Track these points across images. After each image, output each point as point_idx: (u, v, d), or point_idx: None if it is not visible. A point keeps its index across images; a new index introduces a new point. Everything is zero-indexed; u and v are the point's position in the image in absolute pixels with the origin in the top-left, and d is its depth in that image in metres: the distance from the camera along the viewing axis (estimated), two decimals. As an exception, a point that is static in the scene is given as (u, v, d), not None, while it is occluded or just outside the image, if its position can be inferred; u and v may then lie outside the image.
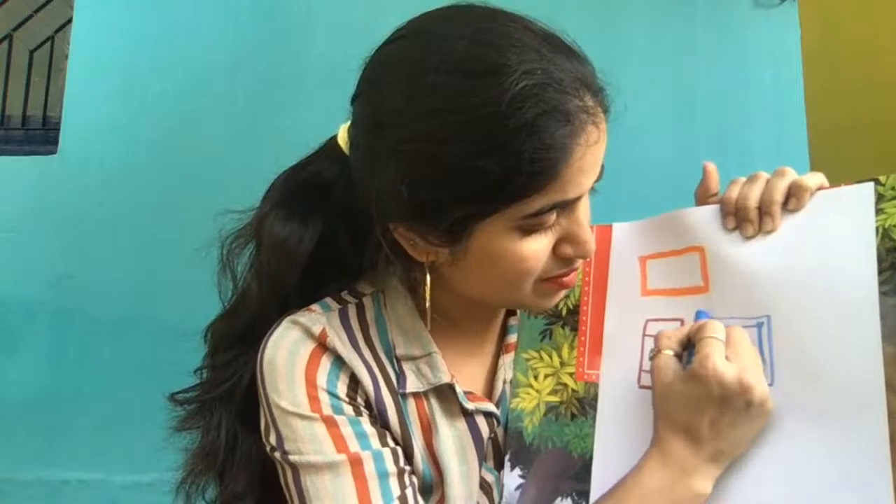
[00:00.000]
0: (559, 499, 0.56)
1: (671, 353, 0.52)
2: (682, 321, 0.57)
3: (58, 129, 2.01)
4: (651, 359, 0.53)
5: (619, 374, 0.58)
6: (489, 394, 0.62)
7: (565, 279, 0.54)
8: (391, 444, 0.55)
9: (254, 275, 0.61)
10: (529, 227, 0.49)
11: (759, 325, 0.53)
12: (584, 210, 0.52)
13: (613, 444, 0.56)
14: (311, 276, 0.60)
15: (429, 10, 0.54)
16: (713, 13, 1.84)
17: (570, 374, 0.61)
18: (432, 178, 0.48)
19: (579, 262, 0.55)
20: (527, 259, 0.50)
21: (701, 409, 0.48)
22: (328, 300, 0.60)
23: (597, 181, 0.52)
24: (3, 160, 2.06)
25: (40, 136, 2.49)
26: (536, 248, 0.50)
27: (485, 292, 0.55)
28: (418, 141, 0.47)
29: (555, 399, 0.60)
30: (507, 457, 0.59)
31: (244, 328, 0.61)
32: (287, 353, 0.55)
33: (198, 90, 1.91)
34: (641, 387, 0.57)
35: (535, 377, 0.62)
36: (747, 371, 0.48)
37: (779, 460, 0.50)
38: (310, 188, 0.60)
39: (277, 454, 0.54)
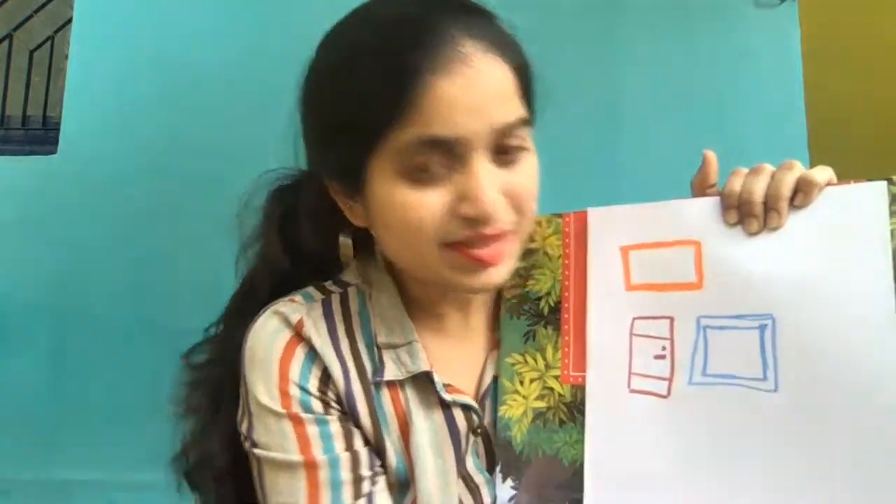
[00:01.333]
0: None
1: None
2: (671, 319, 0.55)
3: (58, 129, 2.01)
4: None
5: (606, 377, 0.56)
6: (477, 390, 0.61)
7: (477, 252, 0.52)
8: (358, 445, 0.56)
9: (257, 260, 0.65)
10: (413, 172, 0.50)
11: (762, 328, 0.51)
12: (483, 167, 0.50)
13: (605, 452, 0.55)
14: (312, 261, 0.62)
15: None
16: (713, 13, 1.84)
17: (556, 378, 0.58)
18: (324, 118, 0.54)
19: (490, 229, 0.52)
20: (413, 208, 0.50)
21: None
22: (311, 290, 0.61)
23: (508, 132, 0.51)
24: (3, 160, 2.06)
25: (40, 136, 2.49)
26: (426, 200, 0.50)
27: (400, 256, 0.56)
28: (314, 89, 0.55)
29: (542, 405, 0.58)
30: (497, 468, 0.58)
31: (250, 309, 0.62)
32: (265, 342, 0.56)
33: (198, 90, 1.91)
34: (632, 391, 0.55)
35: (521, 382, 0.59)
36: None
37: (789, 475, 0.48)
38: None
39: (247, 444, 0.56)
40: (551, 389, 0.58)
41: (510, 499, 0.57)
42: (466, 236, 0.52)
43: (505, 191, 0.52)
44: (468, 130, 0.49)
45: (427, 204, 0.50)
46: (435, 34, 0.49)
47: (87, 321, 1.92)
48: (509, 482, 0.57)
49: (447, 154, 0.50)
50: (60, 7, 2.57)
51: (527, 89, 0.54)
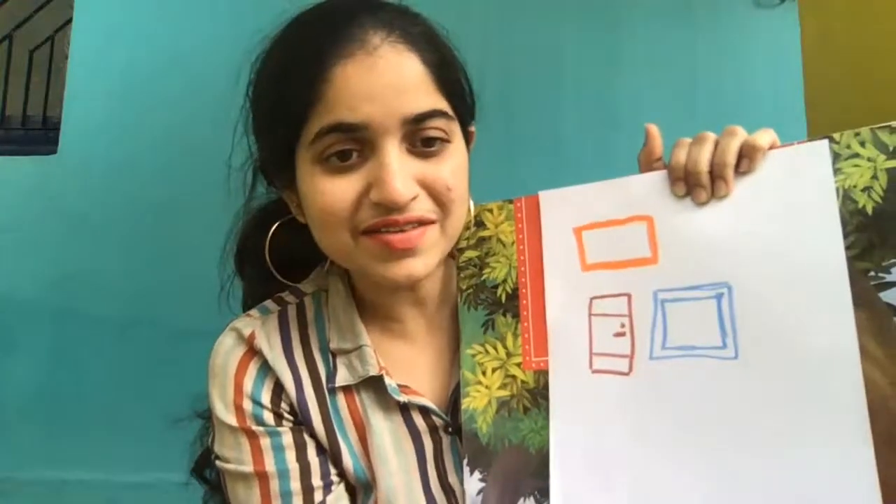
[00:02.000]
0: (521, 500, 0.54)
1: None
2: (629, 296, 0.54)
3: (58, 129, 2.02)
4: None
5: (568, 360, 0.55)
6: (446, 391, 0.60)
7: (387, 237, 0.51)
8: (310, 456, 0.56)
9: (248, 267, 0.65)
10: (326, 159, 0.51)
11: (719, 297, 0.51)
12: (394, 154, 0.50)
13: (570, 435, 0.54)
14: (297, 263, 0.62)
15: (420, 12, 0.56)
16: (713, 14, 1.84)
17: (518, 365, 0.57)
18: (258, 114, 0.56)
19: (401, 217, 0.51)
20: (325, 193, 0.51)
21: None
22: (269, 303, 0.62)
23: (419, 123, 0.51)
24: (3, 160, 2.06)
25: (40, 136, 2.49)
26: (338, 186, 0.51)
27: (324, 246, 0.56)
28: (254, 86, 0.57)
29: (505, 393, 0.57)
30: (464, 461, 0.57)
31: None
32: (222, 359, 0.58)
33: (198, 89, 1.91)
34: (594, 371, 0.54)
35: (483, 373, 0.58)
36: None
37: (755, 440, 0.48)
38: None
39: (213, 457, 0.58)
40: (514, 377, 0.57)
41: (478, 492, 0.55)
42: (377, 223, 0.51)
43: (421, 180, 0.52)
44: (374, 117, 0.49)
45: (340, 191, 0.51)
46: (345, 26, 0.51)
47: (86, 321, 1.92)
48: (477, 475, 0.56)
49: (360, 142, 0.50)
50: (60, 7, 2.57)
51: (445, 84, 0.53)
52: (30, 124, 2.68)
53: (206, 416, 0.63)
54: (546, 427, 0.55)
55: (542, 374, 0.56)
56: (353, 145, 0.50)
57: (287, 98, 0.51)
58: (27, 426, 1.90)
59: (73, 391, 1.90)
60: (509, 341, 0.58)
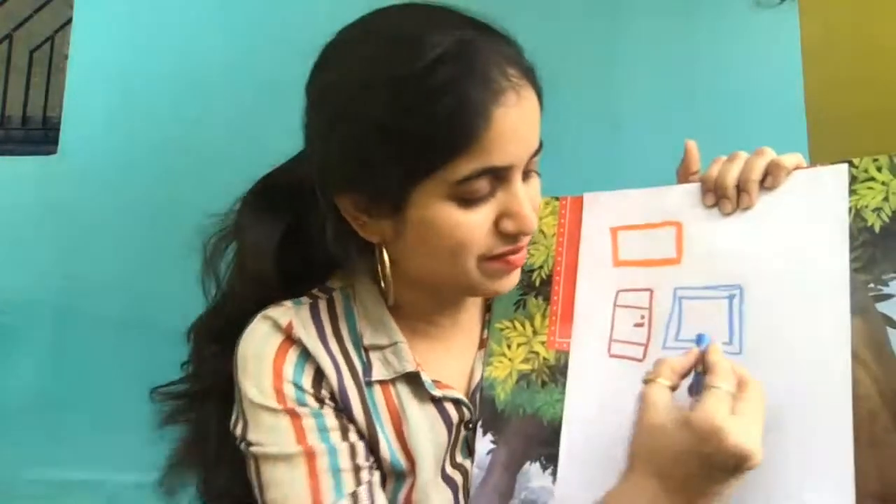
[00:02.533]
0: (528, 462, 0.59)
1: (667, 384, 0.49)
2: (651, 291, 0.59)
3: (58, 129, 2.02)
4: (644, 382, 0.50)
5: (589, 343, 0.60)
6: (468, 387, 0.63)
7: (512, 258, 0.56)
8: (353, 438, 0.57)
9: (235, 273, 0.63)
10: (464, 196, 0.52)
11: (731, 297, 0.56)
12: (523, 185, 0.54)
13: (582, 411, 0.59)
14: (292, 275, 0.62)
15: None
16: (713, 13, 1.84)
17: (542, 343, 0.62)
18: (363, 142, 0.52)
19: (525, 240, 0.56)
20: (461, 227, 0.52)
21: (686, 462, 0.46)
22: (301, 298, 0.62)
23: (534, 156, 0.54)
24: (3, 160, 2.07)
25: (40, 136, 2.50)
26: (473, 220, 0.52)
27: (432, 270, 0.56)
28: (349, 107, 0.52)
29: (526, 367, 0.62)
30: (479, 423, 0.61)
31: (227, 325, 0.62)
32: (257, 345, 0.58)
33: (198, 90, 1.91)
34: (612, 356, 0.59)
35: (509, 346, 0.63)
36: (749, 435, 0.44)
37: None
38: (284, 185, 0.64)
39: (243, 445, 0.57)
40: (537, 354, 0.62)
41: (488, 452, 0.60)
42: (507, 249, 0.55)
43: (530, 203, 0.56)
44: (517, 157, 0.52)
45: (475, 223, 0.53)
46: (489, 64, 0.50)
47: (86, 321, 1.92)
48: (489, 437, 0.60)
49: (494, 178, 0.52)
50: (60, 7, 2.57)
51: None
52: (30, 124, 2.69)
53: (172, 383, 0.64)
54: (561, 401, 0.59)
55: (564, 354, 0.61)
56: (489, 181, 0.52)
57: (430, 140, 0.50)
58: (28, 426, 1.89)
59: (73, 391, 1.90)
60: (537, 321, 0.64)
